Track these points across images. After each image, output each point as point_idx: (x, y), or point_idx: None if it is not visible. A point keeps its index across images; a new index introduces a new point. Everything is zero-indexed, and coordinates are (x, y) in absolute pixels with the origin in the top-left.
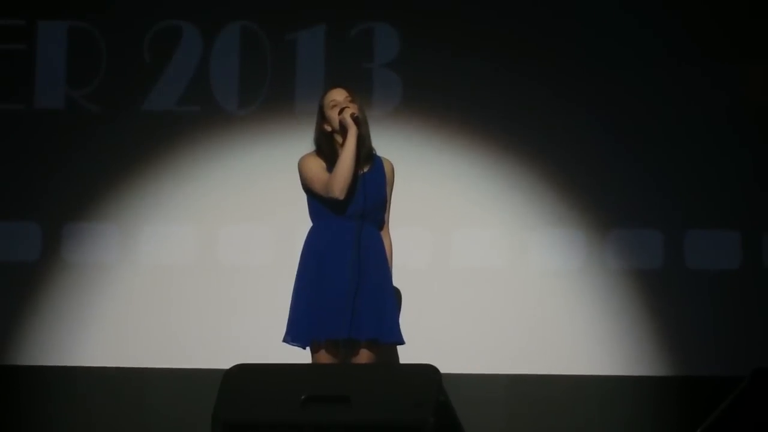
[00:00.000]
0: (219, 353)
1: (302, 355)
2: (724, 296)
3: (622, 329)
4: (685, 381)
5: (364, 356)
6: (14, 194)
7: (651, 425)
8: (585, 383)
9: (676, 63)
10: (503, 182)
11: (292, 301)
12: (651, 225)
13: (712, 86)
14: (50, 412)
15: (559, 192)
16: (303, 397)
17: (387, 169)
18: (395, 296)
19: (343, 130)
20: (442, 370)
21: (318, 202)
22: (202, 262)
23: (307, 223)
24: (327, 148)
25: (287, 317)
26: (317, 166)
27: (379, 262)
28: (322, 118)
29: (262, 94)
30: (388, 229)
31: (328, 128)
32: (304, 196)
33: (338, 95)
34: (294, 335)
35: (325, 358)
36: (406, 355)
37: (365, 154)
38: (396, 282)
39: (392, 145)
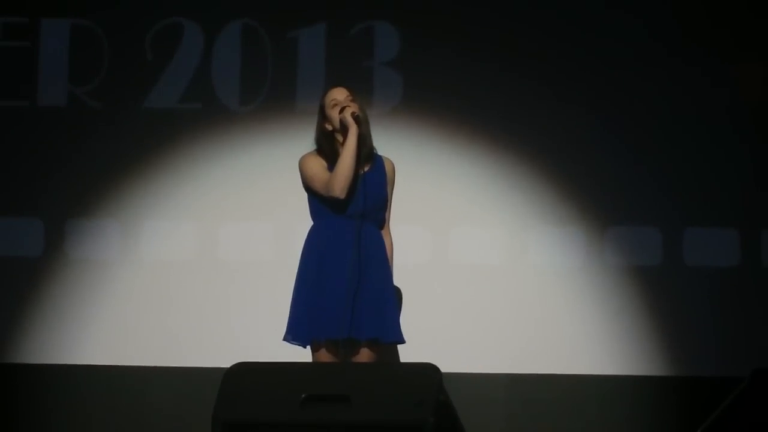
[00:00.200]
0: (219, 352)
1: (303, 354)
2: (723, 294)
3: (622, 328)
4: (685, 381)
5: (364, 355)
6: (17, 190)
7: (651, 425)
8: (585, 383)
9: (675, 62)
10: (503, 181)
11: (292, 300)
12: (650, 223)
13: (711, 85)
14: (51, 411)
15: (559, 190)
16: (303, 396)
17: (388, 168)
18: (396, 295)
19: (344, 130)
20: (443, 369)
21: (318, 201)
22: (202, 260)
23: (307, 221)
24: (328, 148)
25: (287, 316)
26: (318, 165)
27: (380, 262)
28: (323, 117)
29: (263, 91)
30: (389, 228)
31: (329, 127)
32: (305, 194)
33: (339, 94)
34: (294, 334)
35: (325, 357)
36: (407, 354)
37: (366, 154)
38: (396, 281)
39: (392, 143)
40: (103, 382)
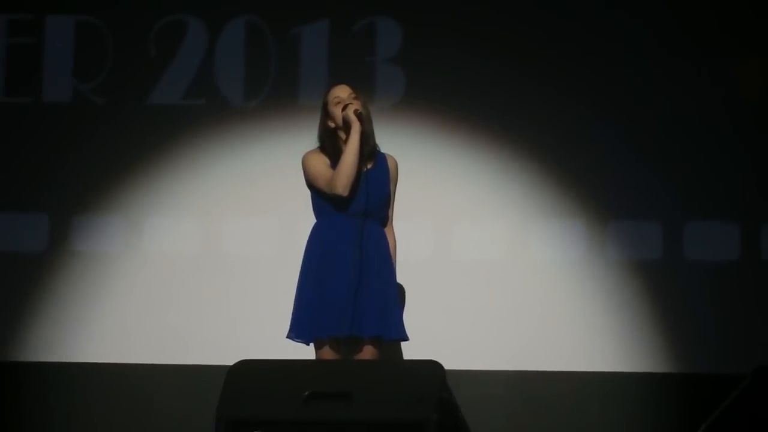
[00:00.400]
0: (223, 349)
1: (306, 351)
2: (723, 289)
3: (624, 325)
4: (688, 378)
5: (367, 353)
6: (22, 186)
7: (653, 422)
8: (587, 380)
9: (675, 57)
10: (505, 176)
11: (295, 297)
12: (651, 217)
13: (711, 80)
14: (53, 409)
15: (561, 185)
16: (306, 393)
17: (390, 165)
18: (399, 293)
19: (347, 127)
20: (446, 366)
21: (321, 199)
22: (206, 255)
23: (312, 217)
24: (330, 145)
25: (291, 314)
26: (321, 162)
27: (383, 259)
28: (326, 114)
29: (267, 88)
30: (392, 225)
31: (332, 125)
32: (308, 190)
33: (342, 92)
34: (297, 332)
35: (328, 354)
36: (410, 351)
37: (368, 151)
38: (398, 277)
39: (394, 138)
40: (107, 380)
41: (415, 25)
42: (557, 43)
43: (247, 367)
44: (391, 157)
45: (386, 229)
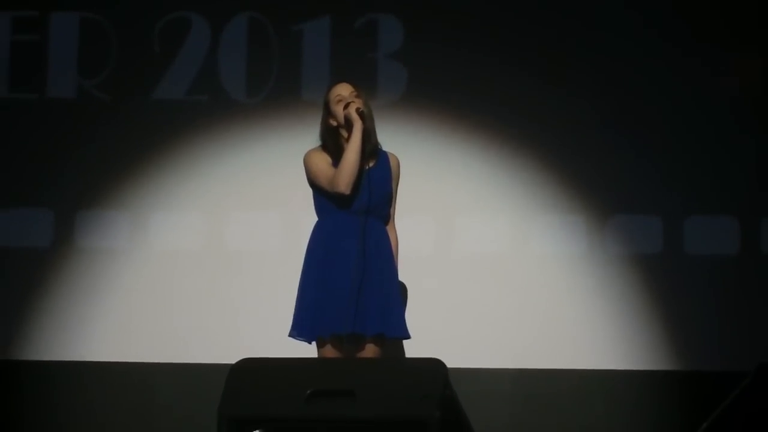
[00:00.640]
0: (225, 348)
1: (308, 349)
2: (723, 283)
3: (625, 322)
4: (690, 376)
5: (369, 351)
6: (27, 181)
7: (656, 420)
8: (589, 378)
9: (675, 53)
10: (506, 171)
11: (297, 296)
12: (651, 211)
13: (712, 74)
14: (55, 408)
15: (561, 180)
16: (308, 391)
17: (392, 163)
18: (401, 291)
19: (349, 125)
20: (448, 364)
21: (323, 197)
22: (208, 252)
23: (314, 214)
24: (332, 143)
25: (293, 312)
26: (322, 161)
27: (385, 257)
28: (328, 113)
29: (270, 84)
30: (394, 223)
31: (334, 123)
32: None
33: (343, 90)
34: (300, 330)
35: (330, 353)
36: (412, 349)
37: (370, 149)
38: (400, 275)
39: (396, 134)
40: (109, 378)
41: (416, 22)
42: (558, 39)
43: (249, 365)
44: (393, 155)
45: (388, 227)
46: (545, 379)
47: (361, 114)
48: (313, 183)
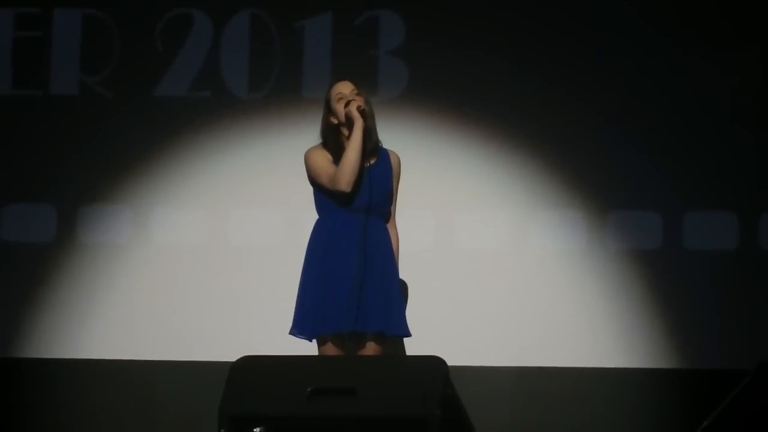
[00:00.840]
0: (225, 345)
1: (309, 347)
2: (723, 279)
3: (626, 319)
4: (691, 374)
5: (370, 349)
6: (31, 177)
7: (656, 418)
8: (590, 376)
9: (674, 48)
10: (506, 167)
11: (298, 294)
12: (650, 207)
13: (711, 71)
14: (56, 406)
15: (562, 176)
16: (309, 389)
17: (393, 161)
18: (401, 289)
19: (350, 123)
20: (448, 362)
21: (324, 195)
22: (209, 249)
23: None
24: (333, 141)
25: (294, 310)
26: (323, 158)
27: (386, 255)
28: (329, 111)
29: (271, 80)
30: (394, 221)
31: (335, 121)
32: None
33: (344, 88)
34: (300, 328)
35: (331, 350)
36: (413, 347)
37: (371, 147)
38: (401, 273)
39: (396, 131)
40: (110, 376)
41: (417, 19)
42: (558, 37)
43: (250, 363)
44: (394, 153)
45: (389, 225)
46: (546, 377)
47: (362, 112)
48: (313, 181)
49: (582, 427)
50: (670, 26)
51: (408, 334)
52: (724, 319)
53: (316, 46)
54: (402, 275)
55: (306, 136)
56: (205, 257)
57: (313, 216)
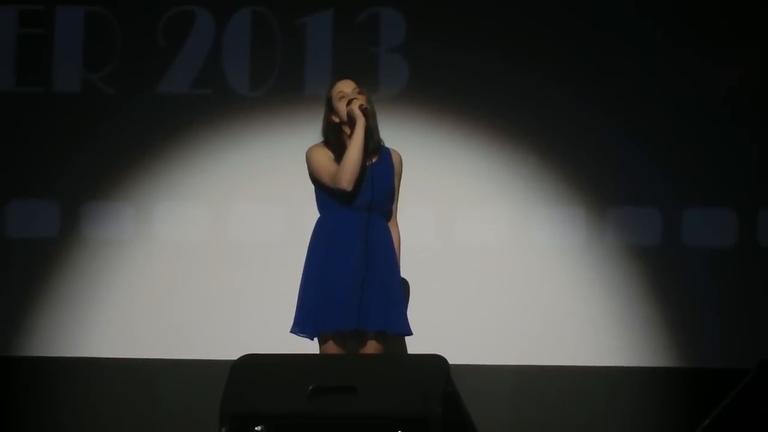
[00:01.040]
0: (227, 344)
1: (310, 346)
2: (722, 275)
3: (627, 317)
4: (692, 373)
5: (371, 348)
6: (34, 173)
7: (657, 417)
8: (592, 375)
9: (673, 44)
10: (506, 164)
11: (299, 292)
12: (649, 203)
13: (710, 67)
14: (57, 405)
15: (562, 172)
16: (310, 388)
17: (395, 160)
18: (403, 287)
19: (351, 122)
20: (450, 361)
21: (325, 194)
22: (210, 247)
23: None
24: (335, 140)
25: (295, 308)
26: (325, 157)
27: (387, 254)
28: (330, 109)
29: (273, 77)
30: (396, 220)
31: (336, 120)
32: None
33: (346, 87)
34: (301, 327)
35: (332, 349)
36: (414, 346)
37: (373, 146)
38: (402, 271)
39: (396, 128)
40: (111, 375)
41: (418, 16)
42: (557, 34)
43: (251, 361)
44: (396, 152)
45: (390, 224)
46: (547, 376)
47: (364, 111)
48: (315, 179)
49: (583, 425)
50: (670, 23)
51: (409, 333)
52: (725, 317)
53: (318, 44)
54: (403, 274)
55: (307, 133)
56: (206, 255)
57: (314, 214)
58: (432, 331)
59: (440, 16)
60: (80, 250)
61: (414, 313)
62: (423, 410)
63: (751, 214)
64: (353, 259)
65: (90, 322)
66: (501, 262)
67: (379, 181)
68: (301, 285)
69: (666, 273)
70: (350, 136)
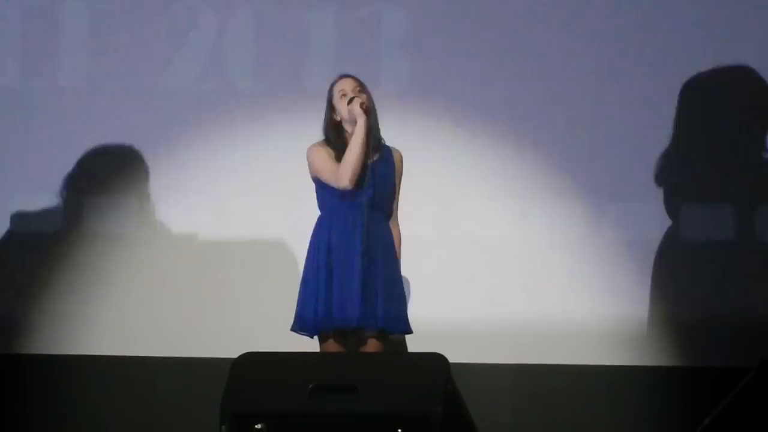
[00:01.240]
0: (227, 342)
1: (310, 344)
2: (721, 270)
3: (628, 317)
4: (694, 372)
5: (372, 346)
6: (38, 167)
7: (658, 416)
8: (592, 373)
9: (672, 40)
10: (506, 164)
11: (300, 290)
12: (651, 198)
13: (710, 62)
14: (56, 403)
15: (562, 168)
16: (311, 386)
17: (396, 158)
18: (403, 286)
19: (353, 120)
20: (450, 360)
21: (327, 192)
22: (213, 242)
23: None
24: (336, 138)
25: (295, 306)
26: (326, 155)
27: (388, 252)
28: (331, 108)
29: (275, 73)
30: (397, 219)
31: (337, 118)
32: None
33: (347, 85)
34: (302, 325)
35: (333, 347)
36: (415, 344)
37: (374, 144)
38: (402, 270)
39: (397, 124)
40: (111, 373)
41: (420, 13)
42: (559, 30)
43: (251, 359)
44: (397, 150)
45: (391, 223)
46: (547, 375)
47: (365, 109)
48: (316, 177)
49: (583, 424)
50: (670, 17)
51: (409, 331)
52: (726, 315)
53: (320, 40)
54: (403, 272)
55: (309, 128)
56: (206, 253)
57: (315, 212)
58: (432, 329)
59: (442, 12)
60: (82, 245)
61: (414, 312)
62: (423, 409)
63: (749, 210)
64: (354, 257)
65: (90, 319)
66: (502, 260)
67: (380, 180)
68: (301, 283)
69: (666, 270)
70: (351, 134)
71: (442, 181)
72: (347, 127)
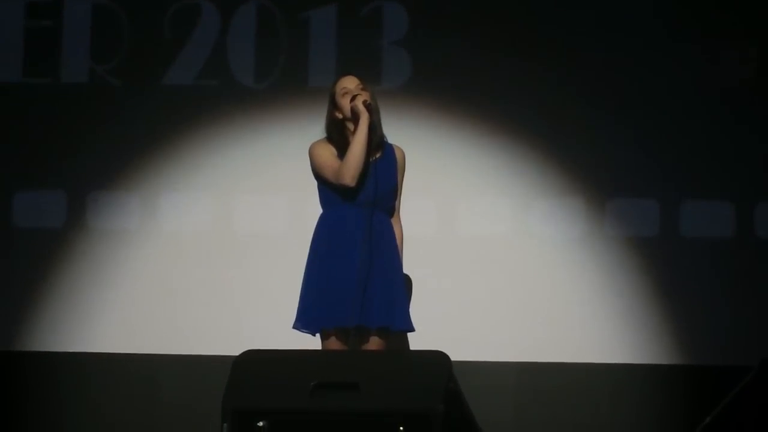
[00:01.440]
0: (228, 340)
1: (312, 341)
2: (720, 267)
3: (629, 316)
4: (695, 370)
5: (374, 344)
6: (41, 163)
7: (659, 414)
8: (593, 371)
9: (672, 38)
10: (506, 162)
11: (302, 287)
12: (648, 195)
13: (709, 60)
14: (59, 400)
15: (561, 165)
16: (312, 384)
17: (398, 156)
18: (405, 284)
19: (355, 118)
20: (452, 357)
21: (329, 190)
22: (216, 239)
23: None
24: (338, 136)
25: (297, 303)
26: (328, 153)
27: (390, 250)
28: (333, 105)
29: (277, 69)
30: (399, 216)
31: (340, 116)
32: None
33: (349, 83)
34: (304, 322)
35: (335, 345)
36: (417, 342)
37: (376, 142)
38: (404, 267)
39: (399, 121)
40: (112, 370)
41: (421, 9)
42: (559, 29)
43: (253, 357)
44: (399, 148)
45: (393, 220)
46: (549, 373)
47: (368, 107)
48: (318, 175)
49: (584, 422)
50: (669, 16)
51: (411, 329)
52: (727, 314)
53: (321, 37)
54: (406, 270)
55: (311, 125)
56: (209, 250)
57: (317, 209)
58: (434, 327)
59: (443, 9)
60: (85, 241)
61: (416, 310)
62: (425, 406)
63: (748, 206)
64: (356, 255)
65: (91, 317)
66: (503, 260)
67: (382, 177)
68: (303, 281)
69: (666, 269)
70: (353, 132)
71: (444, 179)
72: (349, 124)
